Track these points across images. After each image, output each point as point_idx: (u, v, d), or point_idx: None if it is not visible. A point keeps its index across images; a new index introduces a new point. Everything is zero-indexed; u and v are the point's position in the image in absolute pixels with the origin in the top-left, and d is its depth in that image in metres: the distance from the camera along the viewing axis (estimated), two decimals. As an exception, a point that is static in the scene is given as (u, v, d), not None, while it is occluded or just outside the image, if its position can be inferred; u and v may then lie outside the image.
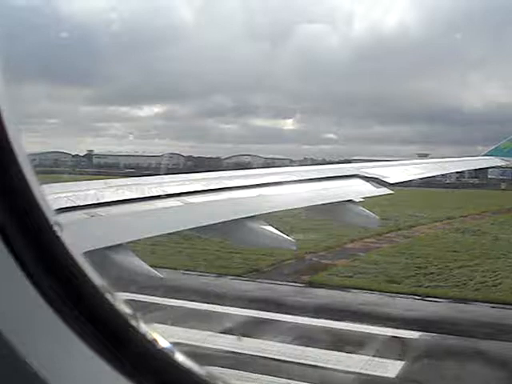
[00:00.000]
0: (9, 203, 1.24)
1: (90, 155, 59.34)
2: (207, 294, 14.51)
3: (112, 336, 1.26)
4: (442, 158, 15.10)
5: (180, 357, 1.32)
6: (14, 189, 1.25)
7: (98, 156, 60.27)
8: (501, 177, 51.90)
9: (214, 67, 69.26)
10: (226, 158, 58.80)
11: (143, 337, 1.31)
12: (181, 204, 4.99)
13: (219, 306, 13.20)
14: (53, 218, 1.30)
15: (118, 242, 3.95)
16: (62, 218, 4.04)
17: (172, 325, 11.21)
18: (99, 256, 3.61)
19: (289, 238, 5.53)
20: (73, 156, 56.10)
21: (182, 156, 57.48)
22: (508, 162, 13.33)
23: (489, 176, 52.61)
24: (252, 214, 5.35)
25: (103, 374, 1.23)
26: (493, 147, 14.49)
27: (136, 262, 4.06)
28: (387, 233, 24.13)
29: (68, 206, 3.97)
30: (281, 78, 67.89)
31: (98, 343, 1.23)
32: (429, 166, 10.77)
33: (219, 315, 12.69)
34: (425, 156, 23.26)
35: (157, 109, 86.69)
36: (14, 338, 1.15)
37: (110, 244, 3.86)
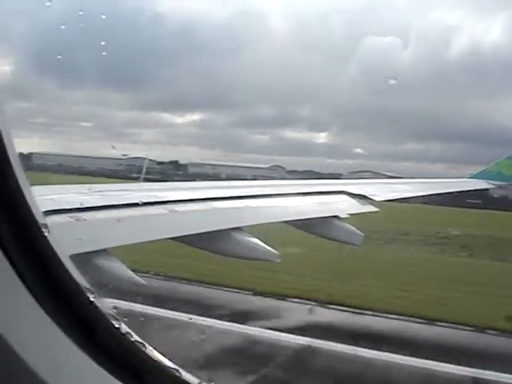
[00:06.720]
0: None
1: (177, 163, 55.19)
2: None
3: (91, 330, 1.38)
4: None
5: (150, 350, 1.44)
6: (4, 190, 1.32)
7: (192, 165, 55.65)
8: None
9: (269, 78, 67.34)
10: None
11: (118, 331, 1.42)
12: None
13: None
14: (41, 219, 1.39)
15: None
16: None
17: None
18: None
19: (273, 250, 5.59)
20: (157, 163, 52.72)
21: (283, 168, 55.20)
22: (492, 185, 13.53)
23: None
24: (236, 226, 5.42)
25: (82, 364, 1.34)
26: (480, 170, 14.64)
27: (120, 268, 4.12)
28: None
29: None
30: (335, 91, 65.66)
31: (78, 336, 1.35)
32: (414, 187, 10.90)
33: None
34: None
35: (195, 116, 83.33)
36: (7, 334, 1.25)
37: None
